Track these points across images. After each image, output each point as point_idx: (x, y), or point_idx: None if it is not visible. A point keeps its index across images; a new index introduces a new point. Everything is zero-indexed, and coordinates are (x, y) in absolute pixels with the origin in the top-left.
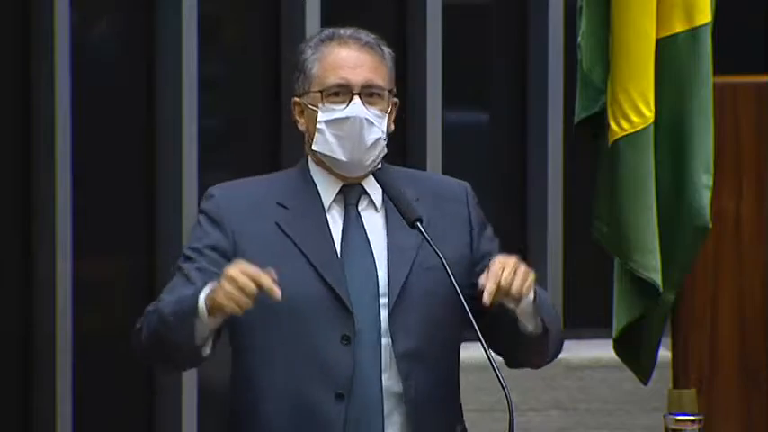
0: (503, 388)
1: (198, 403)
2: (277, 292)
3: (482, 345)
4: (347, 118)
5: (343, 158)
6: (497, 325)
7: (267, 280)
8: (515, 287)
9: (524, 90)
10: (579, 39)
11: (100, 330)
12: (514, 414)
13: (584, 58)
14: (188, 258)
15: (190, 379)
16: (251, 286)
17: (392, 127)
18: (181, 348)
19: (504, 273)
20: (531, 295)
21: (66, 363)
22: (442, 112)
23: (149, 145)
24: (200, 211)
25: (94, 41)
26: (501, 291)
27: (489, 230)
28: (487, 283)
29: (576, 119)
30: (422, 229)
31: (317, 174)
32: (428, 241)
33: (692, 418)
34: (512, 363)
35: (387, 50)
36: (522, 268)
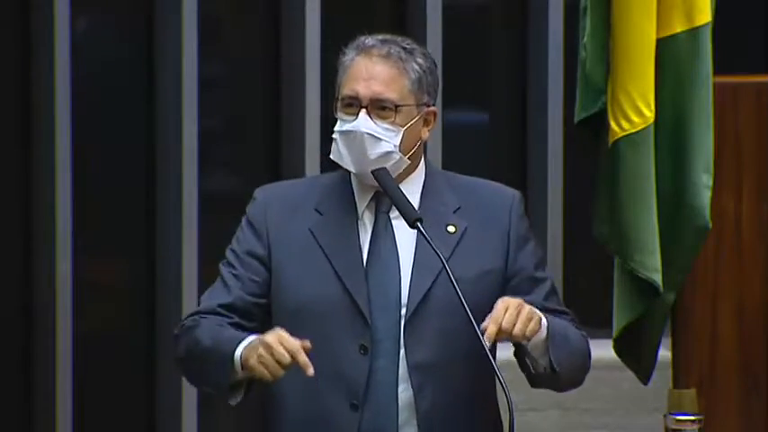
0: (503, 388)
1: (198, 403)
2: (311, 370)
3: (483, 345)
4: (350, 131)
5: (352, 169)
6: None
7: (303, 357)
8: (517, 330)
9: (524, 90)
10: (584, 39)
11: (100, 331)
12: (515, 414)
13: (588, 58)
14: (228, 263)
15: None
16: (286, 358)
17: (426, 135)
18: (211, 385)
19: (506, 315)
20: (543, 333)
21: (66, 363)
22: (442, 113)
23: (149, 145)
24: (246, 213)
25: (94, 41)
26: (502, 333)
27: (530, 245)
28: (489, 325)
29: (577, 119)
30: (422, 230)
31: (355, 179)
32: (429, 243)
33: (692, 418)
34: (532, 385)
35: (417, 62)
36: (525, 310)
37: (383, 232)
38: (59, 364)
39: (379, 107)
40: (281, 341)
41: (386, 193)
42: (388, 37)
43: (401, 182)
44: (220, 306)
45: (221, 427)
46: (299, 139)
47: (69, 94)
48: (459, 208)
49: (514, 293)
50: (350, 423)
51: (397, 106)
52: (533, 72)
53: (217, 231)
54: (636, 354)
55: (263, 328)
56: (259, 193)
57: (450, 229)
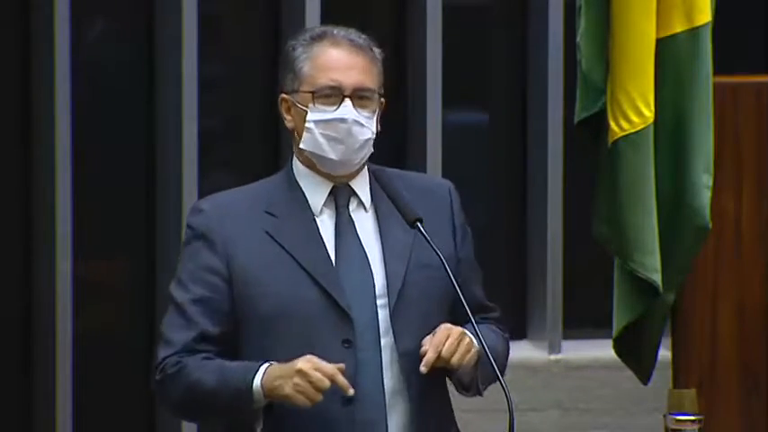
0: (503, 388)
1: None
2: (351, 391)
3: (482, 344)
4: (338, 119)
5: (333, 157)
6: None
7: (341, 379)
8: (455, 360)
9: (524, 90)
10: (578, 38)
11: (100, 331)
12: (514, 414)
13: (584, 58)
14: (182, 285)
15: None
16: (325, 383)
17: (379, 127)
18: (228, 419)
19: (447, 343)
20: (473, 360)
21: (66, 363)
22: (442, 113)
23: (149, 145)
24: (189, 226)
25: (94, 41)
26: (440, 360)
27: (469, 233)
28: (429, 351)
29: (577, 119)
30: (422, 230)
31: (303, 177)
32: (429, 242)
33: (691, 418)
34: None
35: (377, 51)
36: (465, 342)
37: (346, 226)
38: (59, 363)
39: (359, 96)
40: (315, 368)
41: (386, 192)
42: (343, 28)
43: (357, 176)
44: (193, 341)
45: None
46: None
47: (69, 95)
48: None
49: (462, 276)
50: (344, 417)
51: (376, 95)
52: (533, 72)
53: None
54: (636, 354)
55: (235, 337)
56: (204, 203)
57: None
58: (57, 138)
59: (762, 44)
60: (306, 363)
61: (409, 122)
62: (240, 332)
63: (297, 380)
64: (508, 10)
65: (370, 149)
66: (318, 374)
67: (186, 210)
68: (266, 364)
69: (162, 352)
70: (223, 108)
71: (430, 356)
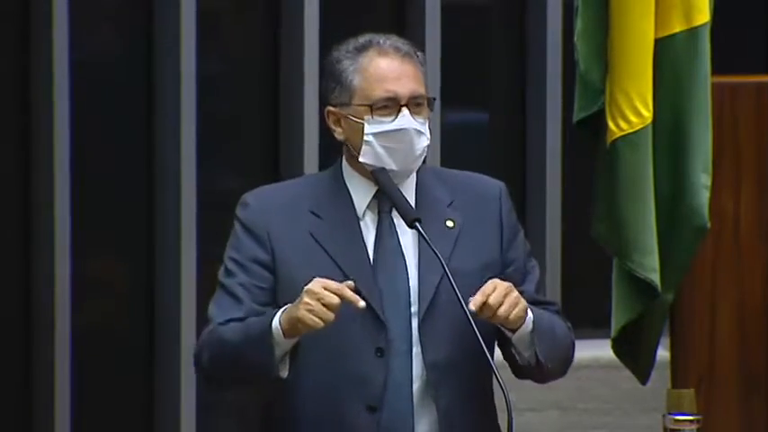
0: (502, 388)
1: (196, 402)
2: (361, 303)
3: (482, 345)
4: (399, 130)
5: (395, 168)
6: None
7: (349, 292)
8: (502, 311)
9: (523, 90)
10: (576, 39)
11: (99, 330)
12: (513, 414)
13: (581, 58)
14: (229, 273)
15: (188, 379)
16: (335, 300)
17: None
18: (256, 373)
19: (495, 293)
20: (529, 326)
21: (65, 362)
22: (441, 112)
23: (148, 144)
24: (237, 219)
25: (93, 41)
26: (487, 309)
27: (521, 235)
28: (477, 295)
29: (575, 119)
30: (421, 230)
31: (351, 179)
32: (427, 243)
33: (690, 418)
34: (516, 375)
35: (421, 56)
36: (513, 295)
37: (387, 232)
38: (58, 362)
39: (415, 104)
40: (325, 287)
41: (385, 193)
42: (386, 36)
43: (407, 179)
44: (233, 321)
45: (220, 427)
46: (297, 138)
47: (68, 93)
48: (452, 202)
49: (514, 279)
50: (368, 425)
51: (428, 101)
52: (532, 72)
53: (216, 231)
54: (634, 354)
55: None
56: (250, 197)
57: (449, 223)
58: (55, 136)
59: (761, 44)
60: (313, 284)
61: None
62: None
63: (306, 299)
64: (507, 10)
65: (425, 155)
66: (328, 293)
67: (185, 209)
68: (285, 306)
69: (206, 328)
70: (222, 107)
71: (478, 299)
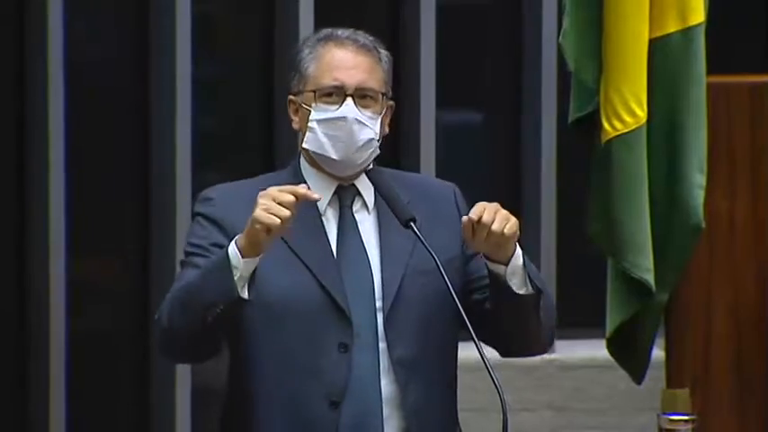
0: (497, 388)
1: (191, 404)
2: (316, 195)
3: (476, 345)
4: (339, 118)
5: (335, 157)
6: (493, 298)
7: (303, 189)
8: (496, 226)
9: (518, 90)
10: (560, 39)
11: (93, 332)
12: (508, 414)
13: (570, 57)
14: (191, 255)
15: (183, 378)
16: (289, 197)
17: (386, 129)
18: (218, 300)
19: (486, 211)
20: (521, 259)
21: (60, 363)
22: (436, 112)
23: (143, 146)
24: (198, 214)
25: (88, 42)
26: (481, 227)
27: None
28: (470, 215)
29: (570, 119)
30: (415, 230)
31: (310, 175)
32: (422, 242)
33: (685, 418)
34: (508, 351)
35: (384, 53)
36: (503, 212)
37: (350, 226)
38: (53, 363)
39: (361, 95)
40: (278, 189)
41: (381, 193)
42: (349, 30)
43: (362, 176)
44: None
45: (215, 426)
46: (293, 139)
47: (63, 94)
48: (409, 201)
49: (476, 269)
50: (330, 420)
51: (380, 95)
52: (527, 72)
53: None
54: (629, 353)
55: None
56: (212, 193)
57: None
58: (50, 137)
59: (758, 44)
60: (265, 191)
61: (403, 122)
62: (242, 324)
63: (261, 201)
64: (502, 10)
65: (375, 151)
66: (281, 193)
67: (179, 210)
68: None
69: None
70: (217, 109)
71: (472, 217)
